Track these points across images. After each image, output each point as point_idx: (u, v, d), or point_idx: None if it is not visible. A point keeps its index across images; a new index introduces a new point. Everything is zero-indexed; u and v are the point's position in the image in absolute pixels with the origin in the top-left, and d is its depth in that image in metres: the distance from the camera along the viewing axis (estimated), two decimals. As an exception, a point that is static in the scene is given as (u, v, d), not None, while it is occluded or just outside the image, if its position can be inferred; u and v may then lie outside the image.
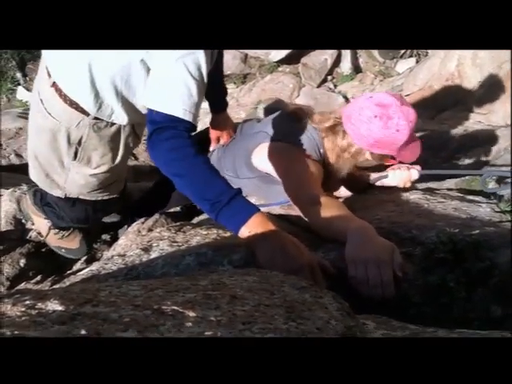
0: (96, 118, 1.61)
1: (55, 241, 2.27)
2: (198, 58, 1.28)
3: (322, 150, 1.70)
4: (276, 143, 1.68)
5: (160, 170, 1.29)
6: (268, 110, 3.08)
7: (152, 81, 1.34)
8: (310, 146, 1.67)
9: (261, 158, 1.72)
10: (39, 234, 2.35)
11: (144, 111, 1.61)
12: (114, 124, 1.66)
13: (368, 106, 1.59)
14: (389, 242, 1.19)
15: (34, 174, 1.88)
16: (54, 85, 1.58)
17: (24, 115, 3.68)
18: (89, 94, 1.53)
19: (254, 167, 1.77)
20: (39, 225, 2.28)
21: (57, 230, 2.23)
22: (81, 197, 1.88)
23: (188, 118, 1.26)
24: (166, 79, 1.29)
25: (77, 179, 1.79)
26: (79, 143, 1.67)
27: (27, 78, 6.15)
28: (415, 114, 1.59)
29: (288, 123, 1.77)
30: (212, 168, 1.27)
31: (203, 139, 2.10)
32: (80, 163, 1.73)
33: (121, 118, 1.63)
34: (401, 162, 1.75)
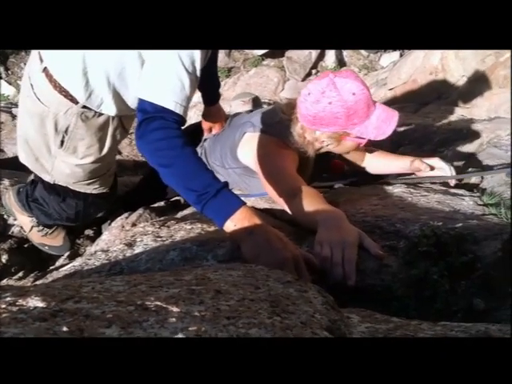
0: (84, 107, 1.60)
1: (38, 238, 2.25)
2: (193, 52, 1.28)
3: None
4: (258, 135, 1.70)
5: (146, 159, 1.28)
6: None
7: (146, 71, 1.34)
8: (290, 138, 1.69)
9: (244, 151, 1.74)
10: (22, 228, 2.32)
11: (134, 104, 1.61)
12: (102, 115, 1.65)
13: (306, 86, 1.60)
14: (356, 228, 1.25)
15: (24, 158, 1.86)
16: (45, 70, 1.57)
17: (6, 109, 3.63)
18: (80, 82, 1.52)
19: (238, 158, 1.78)
20: (22, 221, 2.26)
21: (40, 227, 2.20)
22: (69, 186, 1.86)
23: (178, 110, 1.26)
24: (159, 71, 1.29)
25: (62, 168, 1.78)
26: (66, 131, 1.66)
27: (9, 72, 6.08)
28: (357, 85, 1.52)
29: (273, 115, 1.79)
30: (200, 160, 1.27)
31: (196, 131, 2.12)
32: (66, 152, 1.72)
33: (110, 108, 1.62)
34: (369, 141, 1.69)
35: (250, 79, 5.63)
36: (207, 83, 1.95)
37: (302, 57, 5.70)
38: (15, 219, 2.33)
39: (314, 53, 5.70)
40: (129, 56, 1.45)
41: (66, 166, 1.77)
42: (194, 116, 4.42)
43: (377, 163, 2.03)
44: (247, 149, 1.72)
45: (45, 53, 1.56)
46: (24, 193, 2.10)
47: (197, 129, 2.15)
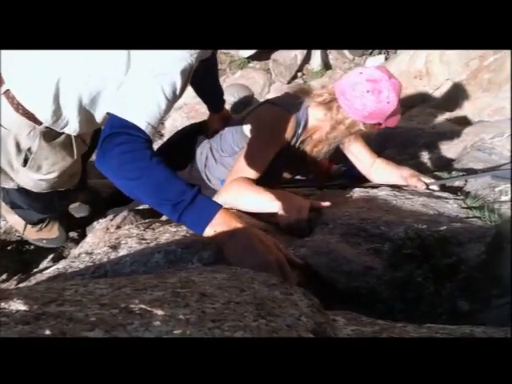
0: (47, 127, 1.56)
1: (34, 234, 2.27)
2: (174, 80, 1.23)
3: (302, 127, 1.85)
4: (268, 106, 1.87)
5: (109, 177, 1.21)
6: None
7: (124, 91, 1.29)
8: (296, 118, 1.82)
9: (250, 121, 1.88)
10: (16, 230, 2.32)
11: (100, 125, 1.58)
12: (64, 133, 1.62)
13: (360, 81, 1.69)
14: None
15: None
16: (6, 92, 1.50)
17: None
18: (49, 106, 1.47)
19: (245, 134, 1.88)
20: (15, 222, 2.26)
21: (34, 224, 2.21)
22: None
23: (148, 131, 1.20)
24: (138, 92, 1.25)
25: (26, 181, 1.77)
26: (29, 150, 1.62)
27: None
28: (400, 85, 1.70)
29: (285, 97, 1.96)
30: (169, 168, 1.20)
31: (196, 131, 2.18)
32: (30, 170, 1.69)
33: (73, 129, 1.58)
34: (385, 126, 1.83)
35: (236, 82, 5.62)
36: (209, 95, 2.07)
37: (288, 59, 5.70)
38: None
39: (300, 55, 5.71)
40: (109, 85, 1.41)
41: (29, 180, 1.75)
42: (179, 118, 4.39)
43: (382, 171, 2.03)
44: (253, 119, 1.86)
45: (8, 75, 1.49)
46: (5, 194, 2.09)
47: (198, 128, 2.19)
